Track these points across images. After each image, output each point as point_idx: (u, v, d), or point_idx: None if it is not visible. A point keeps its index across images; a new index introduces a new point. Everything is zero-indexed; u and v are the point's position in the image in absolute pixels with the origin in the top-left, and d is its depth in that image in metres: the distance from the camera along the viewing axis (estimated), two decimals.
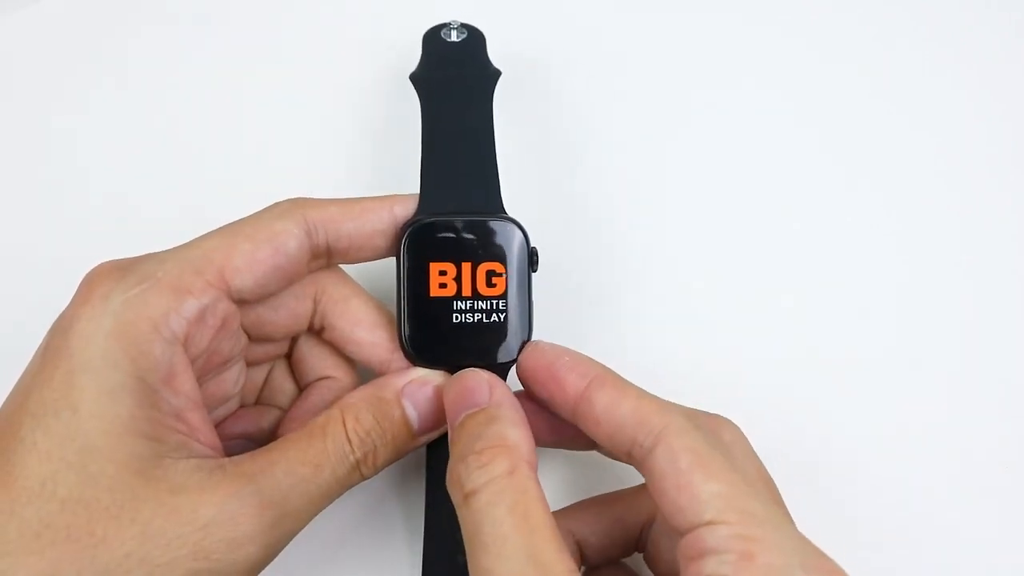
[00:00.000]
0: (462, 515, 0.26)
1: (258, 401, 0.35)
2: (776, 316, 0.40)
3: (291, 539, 0.28)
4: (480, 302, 0.32)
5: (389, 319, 0.33)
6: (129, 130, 0.43)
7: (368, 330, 0.32)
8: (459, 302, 0.31)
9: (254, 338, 0.32)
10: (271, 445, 0.29)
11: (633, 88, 0.45)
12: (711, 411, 0.30)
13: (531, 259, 0.32)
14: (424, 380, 0.31)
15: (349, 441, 0.29)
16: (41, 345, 0.28)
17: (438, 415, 0.31)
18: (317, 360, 0.34)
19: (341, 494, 0.29)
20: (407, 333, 0.31)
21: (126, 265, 0.28)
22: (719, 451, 0.26)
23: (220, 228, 0.30)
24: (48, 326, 0.28)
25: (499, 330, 0.32)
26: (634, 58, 0.46)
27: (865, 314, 0.40)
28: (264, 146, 0.43)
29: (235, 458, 0.28)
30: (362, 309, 0.32)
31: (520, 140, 0.42)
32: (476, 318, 0.31)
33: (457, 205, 0.32)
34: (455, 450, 0.27)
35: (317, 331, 0.33)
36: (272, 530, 0.27)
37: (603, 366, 0.29)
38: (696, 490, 0.24)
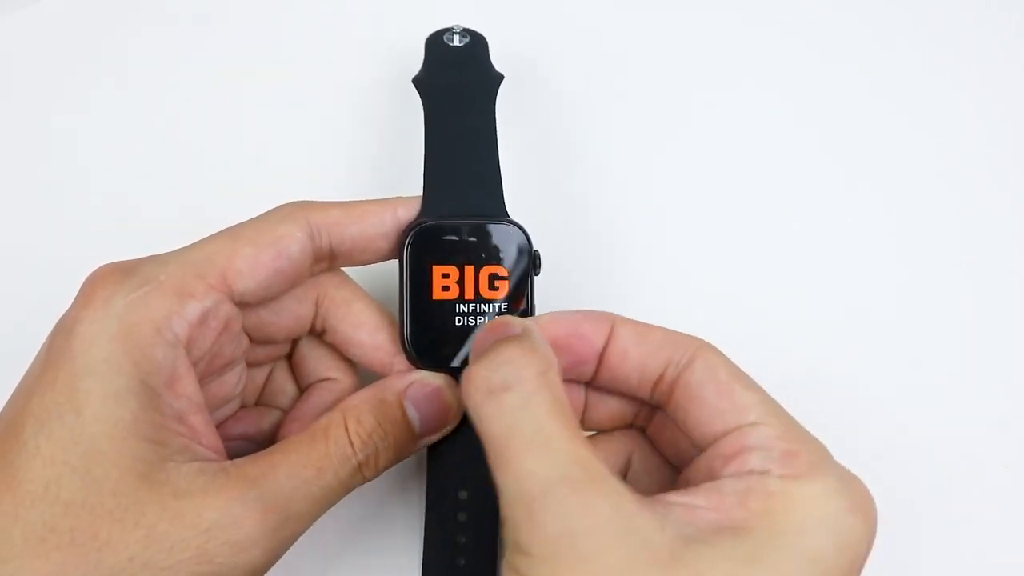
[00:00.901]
0: (486, 414, 0.24)
1: (259, 402, 0.35)
2: (776, 316, 0.40)
3: (294, 542, 0.28)
4: (482, 305, 0.32)
5: (391, 322, 0.33)
6: (129, 130, 0.43)
7: (370, 333, 0.32)
8: (461, 305, 0.32)
9: (256, 340, 0.32)
10: (273, 448, 0.29)
11: (633, 88, 0.45)
12: None
13: (534, 262, 0.32)
14: (426, 382, 0.31)
15: (351, 443, 0.29)
16: (43, 347, 0.28)
17: (440, 417, 0.31)
18: (318, 361, 0.34)
19: (343, 496, 0.29)
20: (409, 336, 0.31)
21: (128, 267, 0.28)
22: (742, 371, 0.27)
23: (222, 231, 0.30)
24: (48, 326, 0.28)
25: None
26: (634, 58, 0.45)
27: (865, 314, 0.40)
28: (264, 146, 0.43)
29: (237, 461, 0.28)
30: (364, 312, 0.32)
31: (520, 140, 0.42)
32: (478, 321, 0.31)
33: (460, 208, 0.32)
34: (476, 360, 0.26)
35: (318, 333, 0.33)
36: (275, 533, 0.27)
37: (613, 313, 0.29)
38: (738, 397, 0.26)
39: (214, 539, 0.26)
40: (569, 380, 0.29)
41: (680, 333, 0.28)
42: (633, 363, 0.28)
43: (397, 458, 0.31)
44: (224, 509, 0.26)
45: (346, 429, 0.29)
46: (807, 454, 0.25)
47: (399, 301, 0.32)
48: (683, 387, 0.27)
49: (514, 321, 0.28)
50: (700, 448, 0.26)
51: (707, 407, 0.26)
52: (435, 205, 0.32)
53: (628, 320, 0.29)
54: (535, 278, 0.32)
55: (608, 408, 0.31)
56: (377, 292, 0.34)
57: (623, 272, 0.41)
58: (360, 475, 0.29)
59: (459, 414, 0.32)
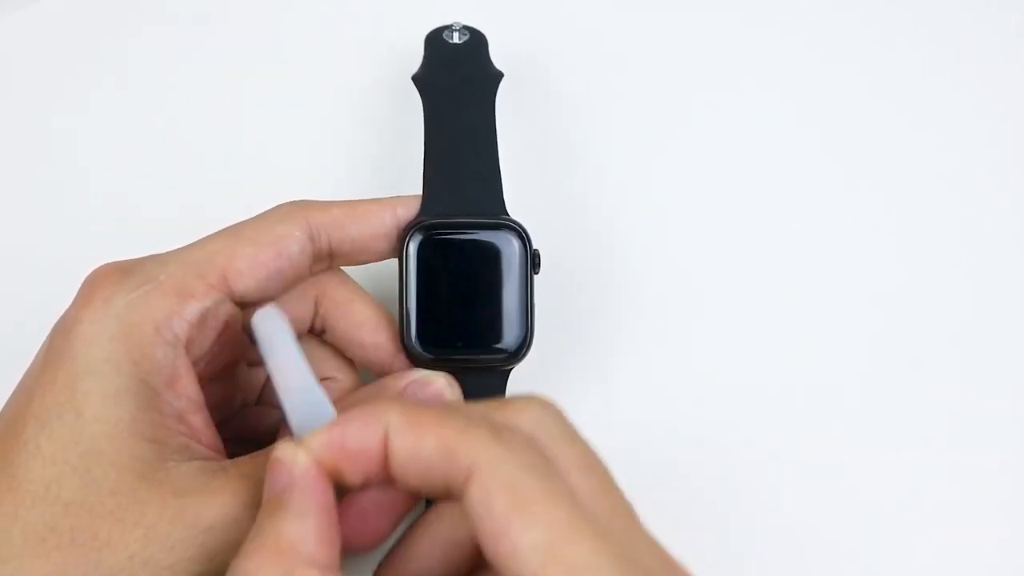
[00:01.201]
0: None
1: (258, 401, 0.35)
2: (776, 315, 0.40)
3: None
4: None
5: (391, 321, 0.32)
6: (129, 130, 0.43)
7: (370, 332, 0.32)
8: (461, 305, 0.32)
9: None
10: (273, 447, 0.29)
11: (633, 88, 0.45)
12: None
13: (533, 261, 0.32)
14: (426, 381, 0.31)
15: None
16: (43, 347, 0.28)
17: None
18: (318, 361, 0.34)
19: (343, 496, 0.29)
20: (409, 335, 0.32)
21: (128, 267, 0.28)
22: (539, 476, 0.22)
23: (222, 230, 0.30)
24: (48, 326, 0.28)
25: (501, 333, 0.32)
26: (634, 58, 0.45)
27: (865, 314, 0.40)
28: (264, 146, 0.43)
29: (237, 460, 0.28)
30: (364, 311, 0.32)
31: (520, 140, 0.42)
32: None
33: (459, 207, 0.32)
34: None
35: (318, 333, 0.33)
36: None
37: (397, 403, 0.24)
38: (514, 541, 0.21)
39: (214, 538, 0.26)
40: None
41: (455, 434, 0.23)
42: (415, 478, 0.23)
43: None
44: (224, 508, 0.26)
45: None
46: None
47: (399, 300, 0.32)
48: (467, 513, 0.22)
49: (284, 466, 0.24)
50: None
51: (487, 546, 0.21)
52: (435, 204, 0.32)
53: (405, 419, 0.23)
54: (535, 277, 0.32)
55: None
56: (377, 292, 0.34)
57: (623, 272, 0.41)
58: None
59: None
